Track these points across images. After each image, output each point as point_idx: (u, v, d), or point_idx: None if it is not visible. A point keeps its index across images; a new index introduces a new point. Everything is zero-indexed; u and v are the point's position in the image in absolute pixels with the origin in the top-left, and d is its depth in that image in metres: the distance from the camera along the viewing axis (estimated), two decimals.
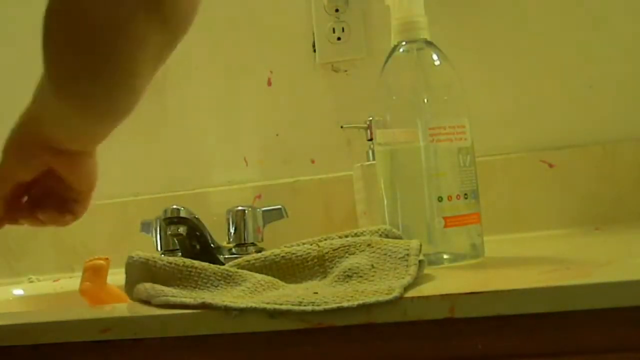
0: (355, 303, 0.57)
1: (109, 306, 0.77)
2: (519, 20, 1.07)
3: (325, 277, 0.68)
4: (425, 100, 0.76)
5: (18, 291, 1.08)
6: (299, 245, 0.73)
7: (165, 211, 0.96)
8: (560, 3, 1.05)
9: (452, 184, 0.75)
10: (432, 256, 0.74)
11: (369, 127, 1.00)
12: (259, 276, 0.68)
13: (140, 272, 0.71)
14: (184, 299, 0.63)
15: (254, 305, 0.59)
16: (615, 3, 1.04)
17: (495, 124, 1.06)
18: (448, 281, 0.65)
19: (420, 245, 0.68)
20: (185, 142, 1.18)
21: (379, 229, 0.74)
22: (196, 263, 0.70)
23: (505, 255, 0.80)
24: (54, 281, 1.12)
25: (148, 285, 0.68)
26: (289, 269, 0.70)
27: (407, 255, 0.66)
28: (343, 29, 1.12)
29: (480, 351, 0.57)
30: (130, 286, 0.71)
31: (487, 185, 1.00)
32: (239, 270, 0.69)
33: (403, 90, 0.79)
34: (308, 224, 1.08)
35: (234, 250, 1.01)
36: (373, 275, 0.64)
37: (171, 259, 0.70)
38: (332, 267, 0.69)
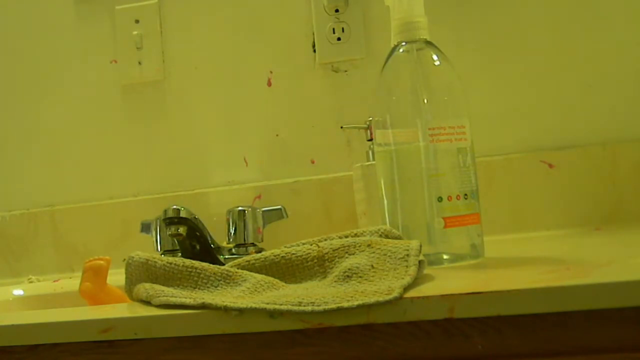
0: (355, 303, 0.57)
1: (109, 306, 0.77)
2: (518, 20, 1.07)
3: (325, 277, 0.68)
4: (425, 101, 0.76)
5: (18, 291, 1.08)
6: (298, 245, 0.73)
7: (165, 211, 0.95)
8: (560, 3, 1.05)
9: (451, 184, 0.75)
10: (432, 256, 0.74)
11: (369, 127, 1.00)
12: (258, 276, 0.68)
13: (140, 272, 0.71)
14: (184, 299, 0.63)
15: (254, 305, 0.59)
16: (615, 3, 1.04)
17: (495, 124, 1.06)
18: (448, 281, 0.65)
19: (420, 246, 0.68)
20: (186, 142, 1.18)
21: (378, 229, 0.73)
22: (196, 263, 0.70)
23: (505, 255, 0.80)
24: (54, 281, 1.12)
25: (148, 285, 0.68)
26: (288, 269, 0.70)
27: (407, 255, 0.66)
28: (343, 29, 1.12)
29: (480, 351, 0.57)
30: (130, 286, 0.72)
31: (487, 186, 1.00)
32: (239, 271, 0.69)
33: (403, 90, 0.79)
34: (308, 224, 1.09)
35: (234, 250, 1.01)
36: (373, 276, 0.64)
37: (171, 259, 0.70)
38: (332, 268, 0.68)
